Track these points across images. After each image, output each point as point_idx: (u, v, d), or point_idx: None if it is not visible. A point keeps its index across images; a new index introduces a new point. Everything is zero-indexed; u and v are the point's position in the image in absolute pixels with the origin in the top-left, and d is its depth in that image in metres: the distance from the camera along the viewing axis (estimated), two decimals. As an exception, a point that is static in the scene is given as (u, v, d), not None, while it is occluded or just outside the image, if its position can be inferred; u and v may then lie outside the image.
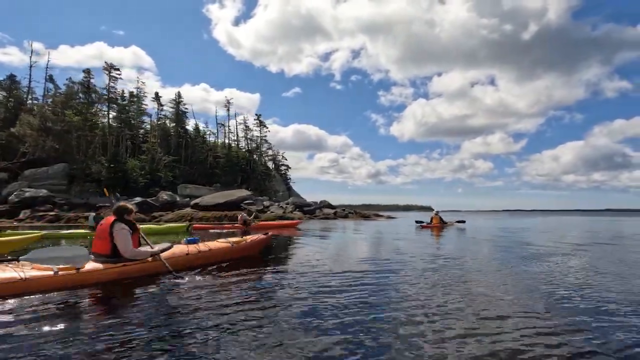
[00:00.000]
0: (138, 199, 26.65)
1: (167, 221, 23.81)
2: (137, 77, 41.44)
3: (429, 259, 5.91)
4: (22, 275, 3.18)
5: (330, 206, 40.00)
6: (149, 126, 40.92)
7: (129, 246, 4.00)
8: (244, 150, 46.19)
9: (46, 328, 2.35)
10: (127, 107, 40.60)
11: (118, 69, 34.41)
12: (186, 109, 41.46)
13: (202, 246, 4.93)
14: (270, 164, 54.34)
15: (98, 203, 27.74)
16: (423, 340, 2.23)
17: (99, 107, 34.97)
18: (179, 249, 4.64)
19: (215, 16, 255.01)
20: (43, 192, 26.51)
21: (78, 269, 3.54)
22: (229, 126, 45.97)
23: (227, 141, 44.85)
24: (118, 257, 3.95)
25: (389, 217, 38.73)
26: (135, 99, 40.35)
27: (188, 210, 25.76)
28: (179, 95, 41.38)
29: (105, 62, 34.45)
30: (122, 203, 4.32)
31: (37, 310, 2.71)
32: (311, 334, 2.29)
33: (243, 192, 26.92)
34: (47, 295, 3.14)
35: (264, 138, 55.48)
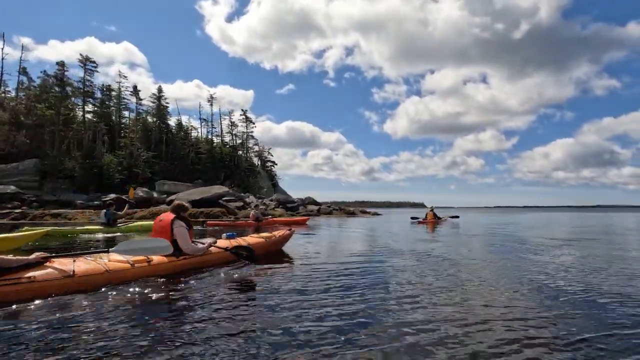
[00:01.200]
0: (112, 196, 25.78)
1: (139, 219, 23.02)
2: (119, 71, 40.27)
3: (414, 255, 5.96)
4: (106, 267, 3.44)
5: (315, 203, 39.40)
6: (130, 121, 39.87)
7: (188, 242, 4.34)
8: (228, 146, 45.33)
9: (127, 316, 2.56)
10: (106, 102, 39.48)
11: (94, 62, 33.28)
12: (167, 103, 40.48)
13: (241, 240, 5.32)
14: (257, 161, 53.66)
15: (75, 200, 26.86)
16: (415, 328, 2.32)
17: (74, 101, 33.79)
18: (224, 243, 4.96)
19: (208, 12, 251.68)
20: (11, 188, 25.48)
21: (149, 261, 3.85)
22: (212, 121, 45.09)
23: (210, 137, 43.99)
24: (179, 251, 4.23)
25: (375, 214, 38.29)
26: (115, 93, 39.24)
27: (163, 207, 24.92)
28: (159, 90, 40.37)
29: (80, 54, 33.32)
30: (178, 201, 4.69)
31: (119, 300, 3.00)
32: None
33: (221, 189, 26.19)
34: (125, 285, 3.39)
35: (250, 134, 54.75)
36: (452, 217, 18.20)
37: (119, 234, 10.25)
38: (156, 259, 3.95)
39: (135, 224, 12.04)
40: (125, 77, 41.20)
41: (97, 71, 33.75)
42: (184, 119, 46.24)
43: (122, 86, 40.89)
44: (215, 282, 3.76)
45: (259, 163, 54.35)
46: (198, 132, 45.55)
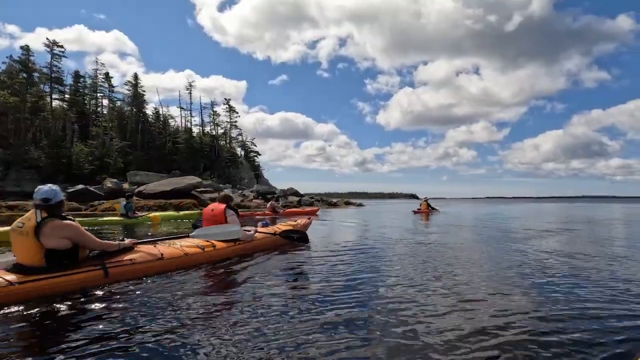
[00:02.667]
0: (80, 187, 24.62)
1: (104, 210, 21.99)
2: (96, 58, 38.53)
3: (405, 247, 6.01)
4: (184, 251, 3.88)
5: (297, 194, 38.66)
6: (106, 110, 38.34)
7: (241, 229, 4.80)
8: (208, 135, 44.06)
9: (210, 293, 3.00)
10: (81, 90, 37.86)
11: (62, 46, 31.61)
12: (144, 91, 38.97)
13: (276, 228, 5.69)
14: (240, 151, 52.54)
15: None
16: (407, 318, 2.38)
17: (43, 88, 32.18)
18: (270, 230, 5.48)
19: (199, 1, 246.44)
20: (-30, 179, 24.19)
21: (214, 246, 4.28)
22: (191, 110, 43.69)
23: (190, 126, 42.65)
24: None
25: (360, 205, 37.86)
26: (90, 81, 37.65)
27: (133, 198, 23.86)
28: (135, 77, 38.77)
29: (47, 38, 31.57)
30: (225, 192, 5.27)
31: (199, 279, 3.45)
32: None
33: (194, 179, 25.21)
34: (199, 267, 3.84)
35: (233, 123, 53.37)
36: (433, 208, 19.32)
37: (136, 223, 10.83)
38: (218, 244, 4.40)
39: (153, 214, 12.70)
40: (103, 64, 39.61)
41: (65, 56, 32.13)
42: (173, 110, 44.81)
43: (100, 73, 39.39)
44: (267, 264, 4.22)
45: (242, 153, 53.24)
46: (176, 121, 44.20)
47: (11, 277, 2.72)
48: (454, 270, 3.97)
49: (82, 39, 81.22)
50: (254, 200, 30.47)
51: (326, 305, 2.59)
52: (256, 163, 53.95)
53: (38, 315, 2.38)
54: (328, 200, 36.28)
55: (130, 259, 3.38)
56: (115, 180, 26.66)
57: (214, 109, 49.13)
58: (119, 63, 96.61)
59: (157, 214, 13.34)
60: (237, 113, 54.39)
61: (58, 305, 2.54)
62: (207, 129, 46.09)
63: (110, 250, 3.37)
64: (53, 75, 30.99)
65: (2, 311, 2.41)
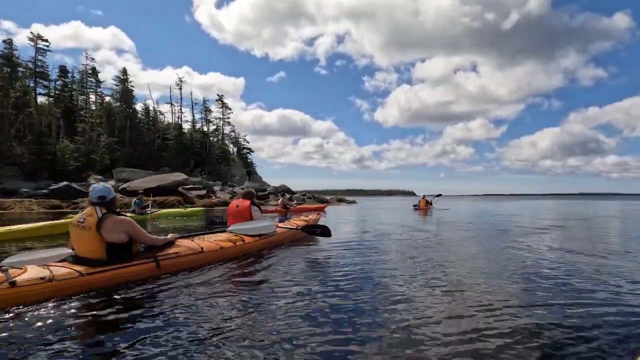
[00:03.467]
0: (63, 184, 24.02)
1: (84, 208, 21.38)
2: (85, 53, 37.77)
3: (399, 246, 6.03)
4: (219, 245, 4.19)
5: (289, 191, 38.27)
6: (94, 106, 37.62)
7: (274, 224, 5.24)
8: (199, 132, 43.44)
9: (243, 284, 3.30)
10: (69, 85, 37.14)
11: (46, 40, 30.89)
12: (132, 87, 38.25)
13: (296, 223, 6.14)
14: (232, 148, 51.93)
15: (19, 188, 24.99)
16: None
17: (28, 83, 31.45)
18: (290, 224, 5.95)
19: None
20: (-52, 176, 23.55)
21: (243, 241, 4.54)
22: (181, 106, 43.02)
23: (180, 122, 41.99)
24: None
25: (352, 202, 37.55)
26: (77, 77, 36.93)
27: (117, 195, 23.24)
28: (124, 72, 38.05)
29: (31, 32, 30.83)
30: (248, 189, 5.69)
31: (233, 270, 3.80)
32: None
33: (180, 176, 24.66)
34: (233, 259, 4.19)
35: (226, 120, 52.74)
36: (437, 195, 20.08)
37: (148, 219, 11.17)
38: (247, 239, 4.64)
39: (163, 211, 13.06)
40: (93, 59, 38.85)
41: (50, 51, 31.39)
42: (167, 107, 44.11)
43: (90, 69, 38.61)
44: (290, 257, 4.52)
45: (235, 150, 52.66)
46: (165, 117, 43.52)
47: (80, 268, 2.94)
48: (460, 268, 3.96)
49: (78, 35, 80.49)
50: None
51: (349, 297, 2.80)
52: (249, 160, 53.44)
53: (104, 302, 2.60)
54: (320, 198, 35.88)
55: (176, 252, 3.66)
56: (99, 177, 26.11)
57: (206, 105, 48.65)
58: (116, 60, 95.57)
59: (165, 210, 13.66)
60: (230, 109, 53.86)
61: (121, 294, 2.80)
62: (199, 125, 45.55)
63: (158, 244, 3.61)
64: (37, 70, 30.25)
65: (74, 299, 2.66)
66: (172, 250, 3.63)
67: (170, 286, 3.05)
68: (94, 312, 2.39)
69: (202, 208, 17.04)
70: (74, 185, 24.44)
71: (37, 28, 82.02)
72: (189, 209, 15.86)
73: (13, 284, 2.52)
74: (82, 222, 3.11)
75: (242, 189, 34.99)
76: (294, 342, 1.94)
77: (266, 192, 33.51)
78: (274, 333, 2.07)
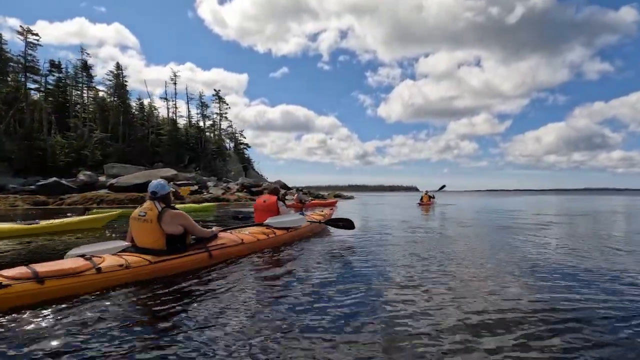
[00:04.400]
0: (51, 180, 23.64)
1: (70, 204, 21.02)
2: (81, 48, 37.19)
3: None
4: (256, 237, 4.55)
5: (284, 187, 37.79)
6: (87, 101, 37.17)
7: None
8: (194, 127, 42.94)
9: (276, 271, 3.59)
10: (63, 80, 36.70)
11: (36, 34, 30.37)
12: (126, 81, 37.75)
13: (319, 217, 6.59)
14: (229, 143, 51.46)
15: (8, 184, 24.66)
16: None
17: (19, 78, 31.00)
18: (314, 217, 6.43)
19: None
20: (-64, 172, 23.26)
21: (275, 234, 4.92)
22: (175, 102, 42.46)
23: (175, 117, 41.43)
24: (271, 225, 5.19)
25: (349, 198, 37.11)
26: (71, 72, 36.44)
27: (101, 192, 22.88)
28: (117, 66, 37.54)
29: (21, 26, 30.32)
30: (274, 185, 5.96)
31: (271, 259, 4.18)
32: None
33: (169, 172, 24.24)
34: (267, 250, 4.55)
35: (224, 115, 52.15)
36: (441, 187, 20.13)
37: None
38: (277, 232, 4.96)
39: (178, 206, 14.24)
40: (89, 54, 38.34)
41: (40, 45, 30.88)
42: (162, 103, 43.59)
43: (81, 63, 38.10)
44: (314, 248, 4.89)
45: (232, 146, 52.14)
46: (160, 112, 42.99)
47: (148, 257, 3.21)
48: (465, 265, 3.94)
49: (83, 32, 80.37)
50: (236, 194, 29.53)
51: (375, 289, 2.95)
52: (246, 155, 52.98)
53: (170, 287, 2.88)
54: (315, 193, 35.35)
55: (222, 244, 3.96)
56: (89, 172, 25.70)
57: (203, 100, 48.10)
58: (120, 56, 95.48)
59: (180, 206, 15.10)
60: (228, 105, 53.30)
61: (182, 280, 3.09)
62: (195, 120, 45.04)
63: (207, 236, 3.86)
64: (28, 65, 29.79)
65: (145, 284, 2.94)
66: (219, 242, 3.95)
67: (221, 274, 3.38)
68: (163, 297, 2.67)
69: (214, 204, 18.47)
70: (62, 181, 24.08)
71: (43, 25, 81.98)
72: (202, 204, 16.51)
73: (99, 270, 2.81)
74: (144, 216, 3.35)
75: (237, 184, 34.54)
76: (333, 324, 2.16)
77: (260, 188, 33.06)
78: (316, 317, 2.29)
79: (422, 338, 1.97)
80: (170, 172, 24.26)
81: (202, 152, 39.65)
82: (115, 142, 33.80)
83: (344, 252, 4.73)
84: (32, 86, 31.49)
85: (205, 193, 28.39)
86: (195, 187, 27.86)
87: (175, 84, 42.15)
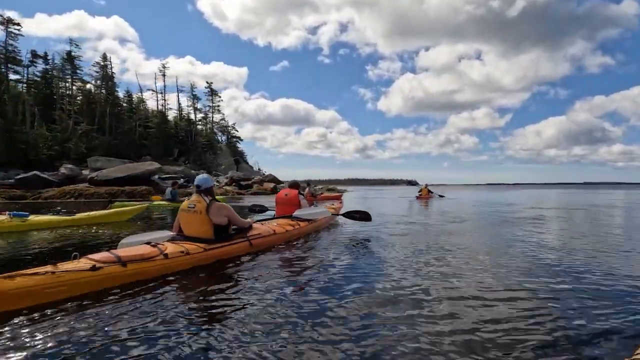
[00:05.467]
0: (30, 173, 23.04)
1: (47, 198, 20.45)
2: (70, 39, 36.31)
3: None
4: (285, 229, 4.87)
5: (275, 181, 37.28)
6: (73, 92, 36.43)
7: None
8: (185, 120, 42.22)
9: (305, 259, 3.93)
10: (50, 72, 35.93)
11: (18, 24, 29.55)
12: (114, 73, 36.95)
13: (331, 208, 7.11)
14: (221, 136, 50.80)
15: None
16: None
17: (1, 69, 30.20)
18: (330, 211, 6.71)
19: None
20: None
21: (299, 225, 5.23)
22: (164, 93, 41.67)
23: (164, 109, 40.67)
24: (296, 217, 5.52)
25: (342, 192, 36.50)
26: (58, 63, 35.62)
27: (80, 185, 22.28)
28: (104, 57, 36.71)
29: (1, 15, 29.45)
30: (295, 180, 6.26)
31: (299, 248, 4.54)
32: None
33: (152, 165, 23.60)
34: (294, 240, 4.97)
35: (216, 107, 51.38)
36: (440, 195, 20.54)
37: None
38: (302, 224, 5.33)
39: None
40: (77, 45, 37.43)
41: (22, 35, 30.07)
42: (152, 95, 42.75)
43: (75, 55, 37.30)
44: (334, 238, 5.30)
45: (225, 139, 51.50)
46: (148, 105, 42.20)
47: (202, 245, 3.52)
48: (471, 263, 3.88)
49: (82, 25, 79.38)
50: (224, 188, 28.97)
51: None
52: (239, 149, 52.30)
53: (222, 271, 3.31)
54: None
55: (259, 234, 4.27)
56: (71, 166, 25.14)
57: (194, 93, 47.29)
58: (119, 49, 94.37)
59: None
60: (220, 97, 52.50)
61: (230, 265, 3.52)
62: (186, 112, 44.26)
63: (245, 227, 4.14)
64: (9, 55, 29.03)
65: (202, 269, 3.34)
66: (255, 232, 4.27)
67: (260, 260, 3.74)
68: (217, 279, 3.01)
69: (224, 196, 19.37)
70: (43, 174, 23.49)
71: (42, 18, 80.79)
72: (217, 197, 17.95)
73: (166, 255, 3.09)
74: (193, 207, 3.65)
75: (227, 178, 33.97)
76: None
77: (250, 182, 32.56)
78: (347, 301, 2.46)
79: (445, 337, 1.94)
80: (154, 165, 23.64)
81: (192, 145, 38.99)
82: (102, 134, 33.14)
83: (359, 242, 5.08)
84: (14, 77, 30.72)
85: (191, 187, 27.92)
86: (181, 181, 27.32)
87: (164, 75, 41.38)
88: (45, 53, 37.83)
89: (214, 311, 2.29)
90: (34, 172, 23.39)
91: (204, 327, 2.01)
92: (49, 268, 2.47)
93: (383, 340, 1.86)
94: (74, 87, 35.93)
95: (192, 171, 33.12)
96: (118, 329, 1.95)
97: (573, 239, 5.44)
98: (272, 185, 32.24)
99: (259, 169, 49.19)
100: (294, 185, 6.00)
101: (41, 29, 71.92)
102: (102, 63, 36.20)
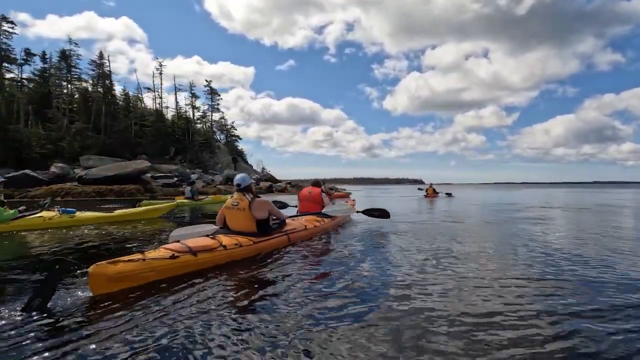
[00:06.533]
0: (22, 172, 22.75)
1: (32, 197, 20.10)
2: (69, 37, 36.14)
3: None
4: (313, 224, 5.30)
5: (272, 180, 36.81)
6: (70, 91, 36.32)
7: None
8: (182, 119, 41.84)
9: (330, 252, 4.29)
10: (48, 71, 35.85)
11: (12, 22, 29.40)
12: (108, 70, 36.68)
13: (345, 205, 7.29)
14: (220, 135, 50.37)
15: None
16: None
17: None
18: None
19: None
20: None
21: (323, 222, 5.63)
22: (160, 91, 41.33)
23: (161, 108, 40.34)
24: (324, 215, 5.89)
25: (349, 193, 35.66)
26: (55, 62, 35.53)
27: (68, 184, 21.92)
28: (100, 55, 36.47)
29: (-5, 13, 29.20)
30: (317, 179, 6.64)
31: (330, 241, 4.98)
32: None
33: (142, 164, 23.18)
34: (321, 235, 5.41)
35: (215, 106, 51.01)
36: (447, 194, 20.72)
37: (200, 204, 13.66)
38: (326, 220, 5.76)
39: (211, 197, 15.42)
40: (77, 43, 37.26)
41: (16, 33, 29.92)
42: (149, 94, 42.49)
43: (74, 54, 37.22)
44: (352, 235, 5.52)
45: (224, 138, 51.06)
46: (145, 103, 41.90)
47: (252, 238, 3.91)
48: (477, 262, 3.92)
49: (91, 26, 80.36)
50: (217, 186, 28.46)
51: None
52: (239, 147, 51.93)
53: (267, 261, 3.65)
54: (303, 186, 34.09)
55: (294, 229, 4.70)
56: (61, 165, 24.83)
57: (193, 91, 46.95)
58: (128, 50, 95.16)
59: (208, 198, 15.45)
60: (220, 95, 52.11)
61: (273, 255, 3.88)
62: (183, 111, 43.87)
63: (283, 219, 4.61)
64: (3, 54, 28.88)
65: (252, 258, 3.74)
66: (291, 227, 4.63)
67: (296, 254, 4.03)
68: (265, 267, 3.39)
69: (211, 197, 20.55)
70: (33, 173, 23.19)
71: (53, 19, 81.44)
72: (225, 196, 18.16)
73: (225, 247, 3.51)
74: (237, 205, 3.96)
75: (222, 177, 33.49)
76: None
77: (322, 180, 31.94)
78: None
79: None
80: (144, 164, 23.19)
81: (190, 143, 38.59)
82: (98, 133, 32.89)
83: (380, 236, 5.41)
84: (8, 76, 30.55)
85: (184, 186, 27.36)
86: (174, 180, 26.85)
87: (161, 74, 41.04)
88: (44, 52, 37.86)
89: (266, 295, 2.60)
90: (24, 171, 23.13)
91: (260, 306, 2.33)
92: (139, 256, 2.91)
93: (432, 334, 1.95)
94: (69, 86, 35.74)
95: (187, 170, 32.71)
96: (191, 305, 2.33)
97: (581, 239, 5.37)
98: (268, 184, 31.70)
99: (262, 169, 48.76)
100: (317, 183, 6.38)
101: (53, 30, 72.83)
102: (98, 61, 36.02)
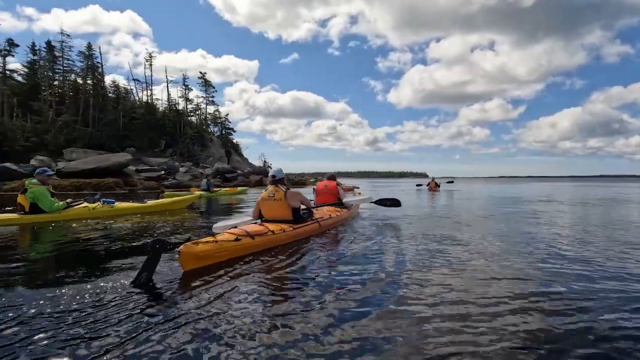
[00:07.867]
0: (1, 165, 22.16)
1: (7, 191, 19.48)
2: (61, 29, 35.43)
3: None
4: (337, 214, 5.74)
5: (264, 172, 35.99)
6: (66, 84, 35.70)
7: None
8: (174, 111, 41.08)
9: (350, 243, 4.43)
10: (38, 62, 35.21)
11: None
12: (98, 63, 35.95)
13: (359, 195, 8.29)
14: (214, 128, 49.66)
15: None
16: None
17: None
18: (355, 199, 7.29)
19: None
20: None
21: (341, 212, 6.00)
22: (151, 83, 40.52)
23: (151, 100, 39.57)
24: (341, 205, 6.35)
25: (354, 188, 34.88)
26: (45, 54, 34.86)
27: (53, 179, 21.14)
28: (89, 47, 35.71)
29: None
30: (332, 173, 6.99)
31: (352, 231, 5.30)
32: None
33: (124, 157, 22.48)
34: (342, 225, 5.78)
35: (210, 99, 50.22)
36: (448, 182, 21.24)
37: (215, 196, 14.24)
38: (343, 210, 6.16)
39: (221, 191, 15.88)
40: (69, 35, 36.53)
41: (-1, 22, 29.09)
42: (139, 86, 41.80)
43: (66, 45, 36.55)
44: (369, 225, 5.88)
45: (219, 131, 50.35)
46: (134, 95, 41.13)
47: (291, 225, 4.34)
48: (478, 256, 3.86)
49: (97, 20, 79.82)
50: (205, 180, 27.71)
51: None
52: (234, 140, 51.17)
53: (305, 246, 4.07)
54: (294, 179, 33.44)
55: (321, 217, 5.09)
56: (42, 157, 24.27)
57: (186, 84, 46.17)
58: (132, 43, 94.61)
59: (222, 190, 16.28)
60: (214, 88, 51.26)
61: (308, 241, 4.32)
62: (175, 104, 43.09)
63: (311, 208, 5.02)
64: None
65: (293, 243, 4.23)
66: (318, 216, 5.08)
67: (326, 240, 4.48)
68: (303, 250, 3.88)
69: (246, 187, 21.22)
70: (12, 166, 22.62)
71: (58, 13, 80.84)
72: (239, 189, 18.48)
73: (273, 232, 3.96)
74: (273, 196, 4.41)
75: (212, 170, 32.79)
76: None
77: (235, 175, 31.33)
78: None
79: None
80: (125, 157, 22.49)
81: (181, 136, 37.87)
82: (86, 126, 32.27)
83: (395, 225, 5.88)
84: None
85: (170, 179, 26.66)
86: (161, 173, 26.15)
87: (151, 65, 40.24)
88: (33, 43, 37.20)
89: (310, 274, 2.99)
90: (4, 164, 22.55)
91: (305, 282, 2.74)
92: (212, 238, 3.36)
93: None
94: (58, 78, 35.07)
95: (176, 163, 32.05)
96: (258, 280, 2.77)
97: (587, 233, 5.32)
98: (258, 177, 30.95)
99: (264, 162, 47.87)
100: (332, 177, 6.82)
101: (58, 24, 72.18)
102: (87, 53, 35.26)
